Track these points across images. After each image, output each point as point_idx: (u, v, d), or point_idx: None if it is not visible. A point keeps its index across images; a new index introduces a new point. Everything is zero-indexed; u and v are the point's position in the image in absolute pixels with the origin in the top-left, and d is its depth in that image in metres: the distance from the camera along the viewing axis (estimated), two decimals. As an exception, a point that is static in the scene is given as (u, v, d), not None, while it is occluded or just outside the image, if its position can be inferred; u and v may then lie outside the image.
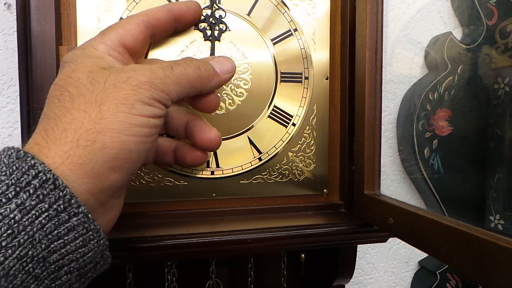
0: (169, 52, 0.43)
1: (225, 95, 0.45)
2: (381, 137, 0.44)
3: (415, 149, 0.64)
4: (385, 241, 0.45)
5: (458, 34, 0.70)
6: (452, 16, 0.70)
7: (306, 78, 0.47)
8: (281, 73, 0.46)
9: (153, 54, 0.42)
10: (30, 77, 0.38)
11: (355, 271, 0.69)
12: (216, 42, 0.44)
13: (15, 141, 0.55)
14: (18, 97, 0.54)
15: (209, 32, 0.44)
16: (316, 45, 0.47)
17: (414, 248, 0.69)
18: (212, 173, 0.45)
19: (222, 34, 0.44)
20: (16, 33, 0.48)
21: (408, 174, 0.70)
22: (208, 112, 0.40)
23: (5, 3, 0.54)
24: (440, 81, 0.65)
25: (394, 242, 0.70)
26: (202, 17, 0.43)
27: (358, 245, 0.68)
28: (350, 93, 0.46)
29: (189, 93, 0.34)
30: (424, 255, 0.72)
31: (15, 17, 0.53)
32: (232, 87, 0.45)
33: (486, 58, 0.64)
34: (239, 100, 0.45)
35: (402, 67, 0.68)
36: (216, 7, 0.44)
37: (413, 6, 0.68)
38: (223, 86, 0.44)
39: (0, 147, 0.53)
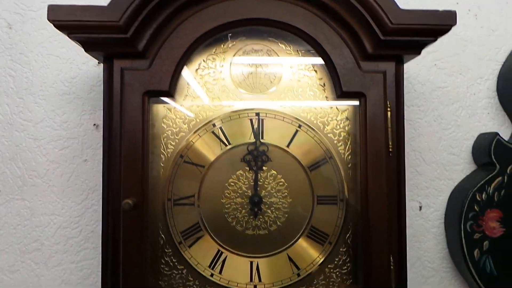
0: (218, 182, 0.50)
1: (266, 216, 0.50)
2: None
3: (464, 250, 0.63)
4: None
5: (507, 130, 0.70)
6: (500, 111, 0.70)
7: (341, 200, 0.51)
8: (318, 196, 0.51)
9: (206, 179, 0.50)
10: (110, 185, 0.49)
11: None
12: (259, 171, 0.51)
13: (96, 236, 0.66)
14: (101, 199, 0.66)
15: (253, 164, 0.51)
16: (350, 169, 0.52)
17: None
18: (255, 287, 0.50)
19: (265, 164, 0.51)
20: (101, 147, 0.61)
21: (459, 272, 0.69)
22: None
23: (94, 124, 0.67)
24: (488, 181, 0.64)
25: None
26: (247, 151, 0.51)
27: None
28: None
29: None
30: None
31: (101, 135, 0.66)
32: (273, 210, 0.51)
33: (537, 160, 0.63)
34: (279, 221, 0.51)
35: (447, 164, 0.69)
36: (260, 143, 0.51)
37: (457, 105, 0.70)
38: (263, 208, 0.50)
39: (83, 240, 0.64)
